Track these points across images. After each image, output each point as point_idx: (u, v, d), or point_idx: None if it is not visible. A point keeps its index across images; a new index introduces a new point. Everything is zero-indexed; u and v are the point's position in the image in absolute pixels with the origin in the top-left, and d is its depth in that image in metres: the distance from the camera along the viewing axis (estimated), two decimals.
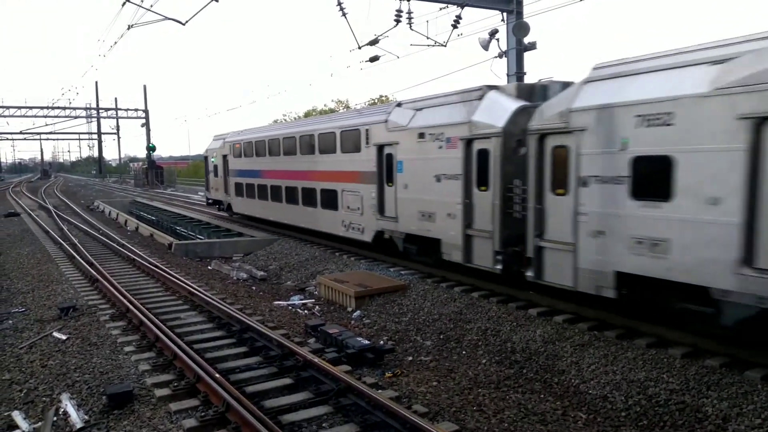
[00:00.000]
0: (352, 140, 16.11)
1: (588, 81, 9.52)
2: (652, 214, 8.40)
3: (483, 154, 11.57)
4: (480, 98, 11.89)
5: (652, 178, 8.40)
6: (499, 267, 11.42)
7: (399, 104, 14.58)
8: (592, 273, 9.32)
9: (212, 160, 28.16)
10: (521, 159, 10.75)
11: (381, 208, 15.03)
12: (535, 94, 11.64)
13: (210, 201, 30.05)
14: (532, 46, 18.58)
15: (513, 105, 11.24)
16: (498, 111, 11.41)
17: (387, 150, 14.57)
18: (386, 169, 14.68)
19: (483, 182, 11.67)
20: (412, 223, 13.80)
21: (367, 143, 15.41)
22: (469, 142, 11.83)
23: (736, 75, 7.41)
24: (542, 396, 7.98)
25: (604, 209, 9.07)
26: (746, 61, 7.42)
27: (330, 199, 17.30)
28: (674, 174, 8.06)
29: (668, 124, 8.12)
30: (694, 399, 7.24)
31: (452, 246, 12.51)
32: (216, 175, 27.80)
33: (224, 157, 26.34)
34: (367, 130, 15.43)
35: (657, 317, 9.09)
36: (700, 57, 8.09)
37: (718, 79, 7.60)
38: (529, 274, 10.58)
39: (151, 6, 15.61)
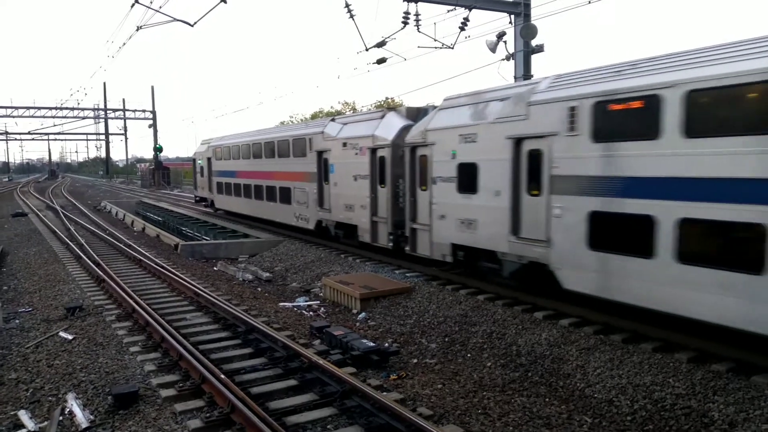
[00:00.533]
0: (300, 147, 19.89)
1: (440, 109, 13.57)
2: (468, 203, 12.28)
3: (382, 160, 15.41)
4: (381, 117, 15.93)
5: (468, 178, 12.25)
6: (390, 245, 15.28)
7: (332, 119, 18.97)
8: (439, 245, 13.25)
9: (199, 162, 31.73)
10: (408, 162, 14.45)
11: (320, 202, 18.82)
12: (419, 116, 15.07)
13: (197, 199, 33.42)
14: (539, 48, 18.56)
15: (400, 124, 15.15)
16: (390, 128, 15.29)
17: (324, 155, 18.40)
18: (324, 170, 18.54)
19: (382, 181, 15.53)
20: (340, 213, 17.60)
21: (311, 149, 19.07)
22: (373, 151, 15.70)
23: (505, 110, 11.26)
24: (547, 400, 7.96)
25: (445, 200, 12.99)
26: (511, 100, 11.27)
27: (285, 195, 21.16)
28: (478, 175, 11.96)
29: (474, 141, 12.04)
30: (701, 404, 7.20)
31: (364, 230, 16.35)
32: (202, 175, 31.32)
33: (209, 159, 29.83)
34: (310, 139, 19.12)
35: (662, 322, 9.05)
36: (496, 95, 11.80)
37: (499, 112, 11.41)
38: (407, 248, 14.52)
39: (160, 7, 15.70)
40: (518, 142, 10.93)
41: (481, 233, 11.96)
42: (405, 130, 14.62)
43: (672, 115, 8.17)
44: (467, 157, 12.25)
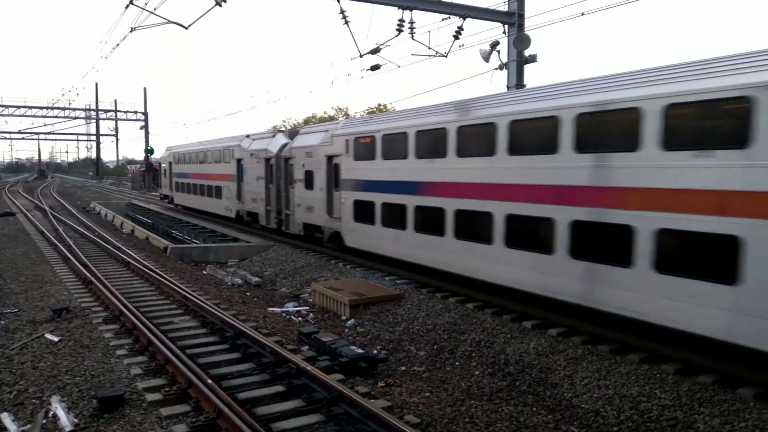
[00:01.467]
0: (227, 155, 26.41)
1: (300, 134, 20.86)
2: (311, 195, 19.04)
3: (271, 166, 22.08)
4: (273, 136, 22.83)
5: (310, 179, 19.03)
6: (275, 226, 22.07)
7: (247, 136, 24.85)
8: (297, 224, 20.26)
9: (163, 165, 38.52)
10: (283, 169, 21.22)
11: (239, 196, 25.24)
12: (296, 136, 21.00)
13: (161, 196, 40.38)
14: (532, 58, 18.68)
15: (283, 141, 21.64)
16: (277, 144, 21.76)
17: (241, 162, 24.72)
18: (240, 173, 24.90)
19: (271, 181, 22.10)
20: (249, 204, 24.22)
21: (233, 157, 25.61)
22: (267, 160, 22.26)
23: (324, 139, 18.07)
24: (535, 409, 7.97)
25: (300, 194, 19.75)
26: (327, 133, 18.27)
27: (218, 192, 27.60)
28: (313, 178, 18.76)
29: (311, 156, 18.91)
30: (686, 415, 7.24)
31: (262, 216, 23.01)
32: (165, 176, 38.03)
33: (170, 163, 36.30)
34: (233, 149, 25.63)
35: (648, 332, 9.11)
36: (321, 129, 19.66)
37: (321, 140, 18.42)
38: (283, 228, 21.36)
39: (155, 9, 15.66)
40: (329, 158, 18.05)
41: (316, 214, 19.09)
42: (284, 146, 21.20)
43: (378, 145, 15.44)
44: (307, 168, 19.33)
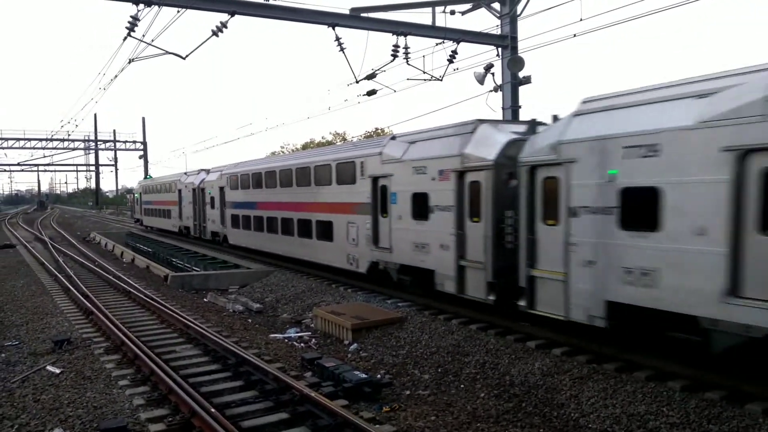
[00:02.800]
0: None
1: (210, 171, 29.75)
2: (214, 212, 28.72)
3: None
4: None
5: (213, 202, 28.69)
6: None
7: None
8: (208, 232, 29.54)
9: (135, 195, 49.07)
10: (201, 196, 29.61)
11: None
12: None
13: (135, 219, 49.65)
14: (526, 80, 18.89)
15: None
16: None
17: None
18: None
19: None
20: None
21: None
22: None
23: (220, 174, 28.12)
24: (542, 430, 7.89)
25: (209, 212, 29.60)
26: (224, 168, 28.33)
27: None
28: (214, 201, 28.14)
29: (213, 187, 28.95)
30: None
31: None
32: (137, 204, 47.86)
33: (140, 193, 46.30)
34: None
35: (652, 347, 9.06)
36: (220, 168, 28.81)
37: (218, 176, 27.87)
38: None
39: (152, 40, 15.84)
40: (221, 188, 27.83)
41: (215, 225, 28.71)
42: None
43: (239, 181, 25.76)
44: (212, 194, 28.41)
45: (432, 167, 13.12)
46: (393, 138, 15.31)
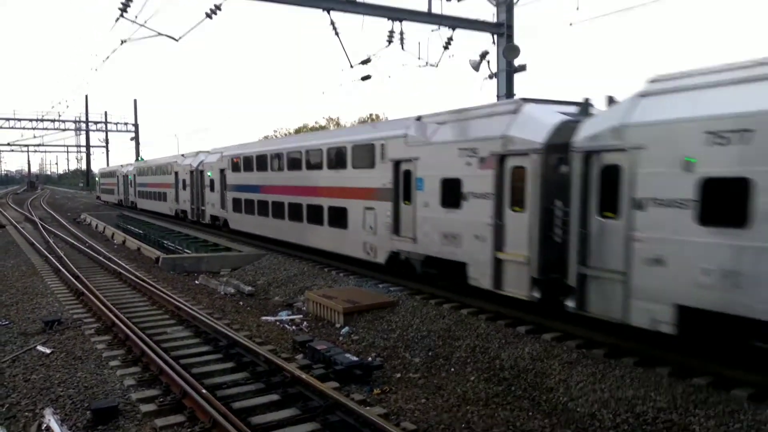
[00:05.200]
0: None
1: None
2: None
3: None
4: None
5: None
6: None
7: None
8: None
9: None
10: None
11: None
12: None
13: (98, 198, 59.15)
14: (521, 68, 18.79)
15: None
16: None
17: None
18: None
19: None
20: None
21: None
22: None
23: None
24: (530, 414, 7.98)
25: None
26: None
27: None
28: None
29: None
30: (682, 417, 7.27)
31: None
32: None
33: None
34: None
35: (645, 334, 9.15)
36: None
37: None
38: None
39: (145, 22, 15.62)
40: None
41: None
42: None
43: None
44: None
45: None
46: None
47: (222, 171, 26.07)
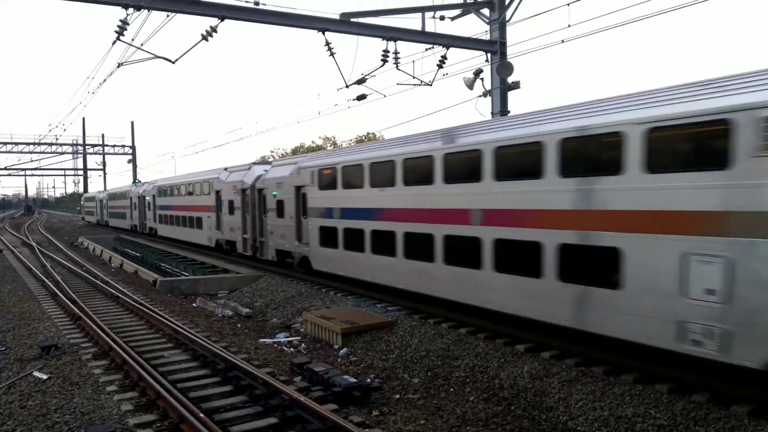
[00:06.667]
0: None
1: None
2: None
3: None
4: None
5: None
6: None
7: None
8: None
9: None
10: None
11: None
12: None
13: (83, 219, 65.78)
14: (515, 85, 18.99)
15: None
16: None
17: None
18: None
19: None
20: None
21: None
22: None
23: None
24: None
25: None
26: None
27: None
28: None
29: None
30: None
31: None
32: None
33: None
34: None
35: (641, 353, 9.12)
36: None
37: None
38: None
39: (141, 44, 15.78)
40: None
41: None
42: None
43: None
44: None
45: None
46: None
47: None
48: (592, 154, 9.49)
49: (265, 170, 22.40)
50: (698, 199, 7.92)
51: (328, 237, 17.22)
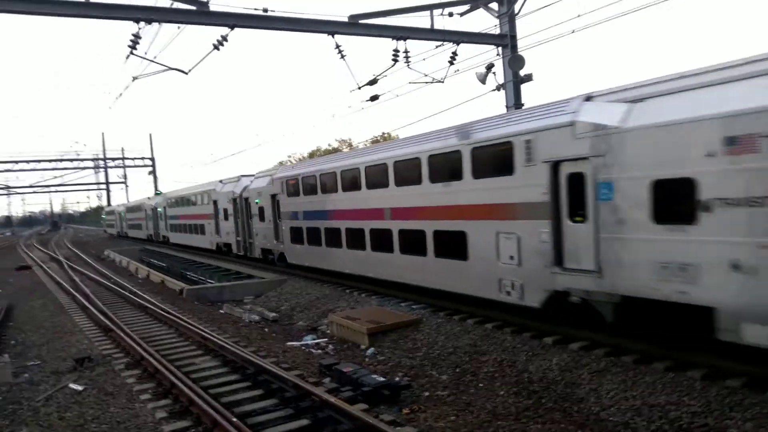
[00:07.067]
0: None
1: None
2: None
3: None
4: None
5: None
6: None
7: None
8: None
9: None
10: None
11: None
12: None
13: (104, 231, 72.14)
14: (528, 78, 18.89)
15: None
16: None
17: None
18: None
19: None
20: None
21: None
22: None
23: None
24: (563, 425, 7.88)
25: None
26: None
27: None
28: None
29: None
30: (717, 421, 7.14)
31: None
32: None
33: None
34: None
35: (671, 340, 9.02)
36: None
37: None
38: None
39: (155, 57, 16.04)
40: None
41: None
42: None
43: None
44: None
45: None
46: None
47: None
48: (446, 165, 13.20)
49: (251, 181, 26.03)
50: (500, 195, 11.70)
51: (296, 235, 21.29)
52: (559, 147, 10.23)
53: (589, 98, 10.17)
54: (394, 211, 15.34)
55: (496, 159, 11.73)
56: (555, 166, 10.39)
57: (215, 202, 30.38)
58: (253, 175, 26.66)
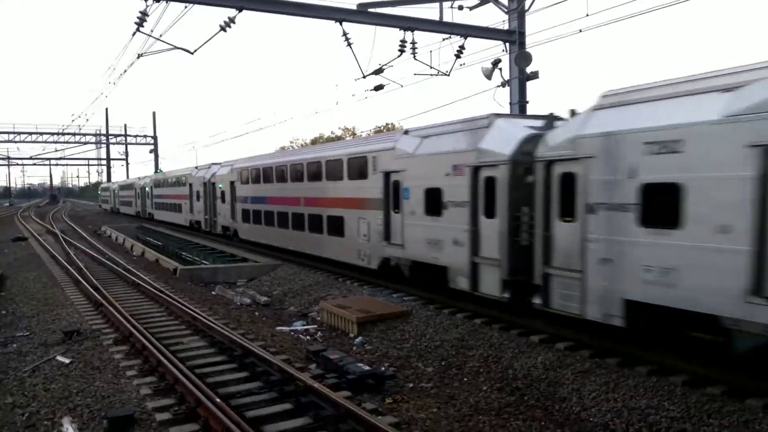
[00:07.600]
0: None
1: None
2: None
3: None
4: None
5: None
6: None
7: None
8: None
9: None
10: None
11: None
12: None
13: (99, 206, 74.54)
14: (534, 75, 18.84)
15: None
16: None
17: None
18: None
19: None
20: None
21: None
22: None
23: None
24: (543, 423, 7.95)
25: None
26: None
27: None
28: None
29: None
30: (695, 427, 7.21)
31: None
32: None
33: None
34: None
35: (663, 344, 9.08)
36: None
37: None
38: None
39: (161, 35, 15.97)
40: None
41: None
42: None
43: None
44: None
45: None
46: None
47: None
48: (335, 169, 18.23)
49: (218, 169, 30.11)
50: (361, 192, 16.63)
51: (245, 216, 26.13)
52: (387, 163, 15.33)
53: (406, 132, 15.43)
54: (306, 200, 20.34)
55: (360, 167, 16.81)
56: (386, 175, 15.38)
57: (190, 185, 34.50)
58: (220, 164, 30.70)
